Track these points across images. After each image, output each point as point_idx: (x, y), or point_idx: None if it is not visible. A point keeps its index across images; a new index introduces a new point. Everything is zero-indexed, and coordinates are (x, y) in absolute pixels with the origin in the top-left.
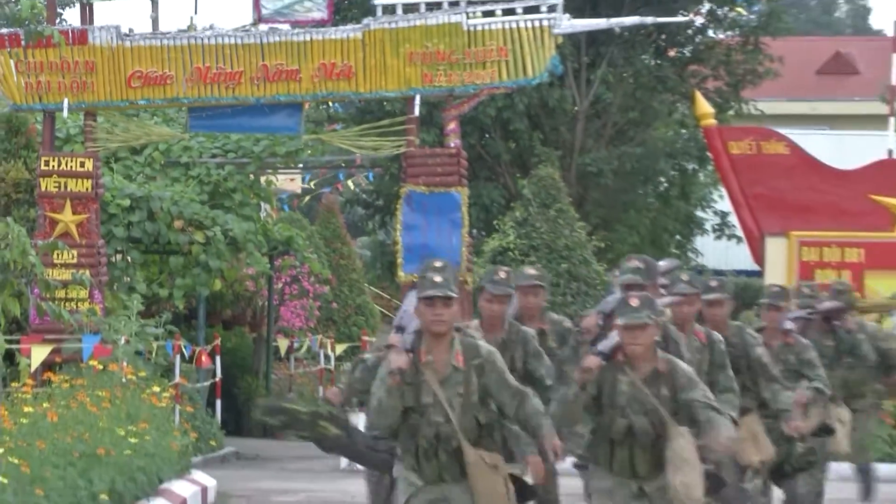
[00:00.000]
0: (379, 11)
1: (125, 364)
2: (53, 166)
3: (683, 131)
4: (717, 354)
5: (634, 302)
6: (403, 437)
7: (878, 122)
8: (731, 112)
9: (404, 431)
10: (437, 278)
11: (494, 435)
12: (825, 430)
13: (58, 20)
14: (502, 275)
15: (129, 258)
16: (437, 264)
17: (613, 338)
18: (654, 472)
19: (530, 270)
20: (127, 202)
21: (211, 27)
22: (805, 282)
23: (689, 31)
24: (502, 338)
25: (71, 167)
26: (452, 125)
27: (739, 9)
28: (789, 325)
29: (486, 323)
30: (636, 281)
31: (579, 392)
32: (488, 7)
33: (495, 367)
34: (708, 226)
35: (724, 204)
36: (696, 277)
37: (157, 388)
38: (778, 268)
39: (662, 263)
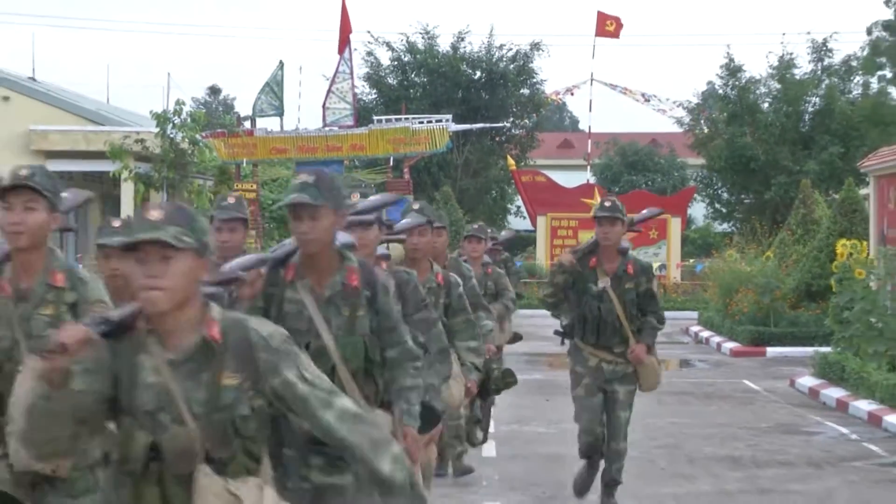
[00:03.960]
0: (375, 121)
1: None
2: (240, 187)
3: (503, 172)
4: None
5: (155, 214)
6: None
7: (582, 168)
8: (522, 164)
9: None
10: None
11: None
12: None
13: (240, 125)
14: (231, 200)
15: (271, 226)
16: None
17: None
18: None
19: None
20: (270, 202)
21: (305, 128)
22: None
23: (504, 129)
24: None
25: (247, 188)
26: (406, 169)
27: (526, 120)
28: (486, 258)
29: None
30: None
31: (53, 393)
32: (420, 119)
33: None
34: (513, 211)
35: (520, 202)
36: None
37: None
38: (542, 230)
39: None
